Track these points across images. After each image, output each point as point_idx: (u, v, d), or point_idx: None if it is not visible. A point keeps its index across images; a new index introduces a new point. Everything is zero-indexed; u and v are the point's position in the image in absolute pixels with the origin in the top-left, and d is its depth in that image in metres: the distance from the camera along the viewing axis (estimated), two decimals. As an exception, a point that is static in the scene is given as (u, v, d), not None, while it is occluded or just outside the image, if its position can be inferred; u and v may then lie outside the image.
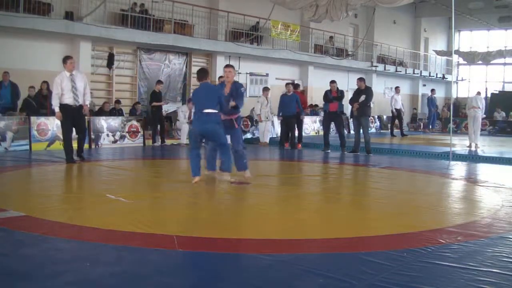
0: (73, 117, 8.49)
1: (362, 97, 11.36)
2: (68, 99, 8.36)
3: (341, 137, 12.04)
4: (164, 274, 3.33)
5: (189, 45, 15.88)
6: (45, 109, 11.54)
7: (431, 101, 21.79)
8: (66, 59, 8.52)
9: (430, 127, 22.54)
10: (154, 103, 12.91)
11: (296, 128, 12.99)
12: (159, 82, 13.48)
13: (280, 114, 12.78)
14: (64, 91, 8.32)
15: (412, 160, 10.98)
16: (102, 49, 14.70)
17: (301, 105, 13.03)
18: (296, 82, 18.09)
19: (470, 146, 13.20)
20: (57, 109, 8.35)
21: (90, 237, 4.09)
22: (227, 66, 7.54)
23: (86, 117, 9.20)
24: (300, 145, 13.02)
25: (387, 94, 26.93)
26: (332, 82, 12.21)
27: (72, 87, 8.35)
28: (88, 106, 8.89)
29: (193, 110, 12.60)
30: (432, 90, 21.84)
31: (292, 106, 12.50)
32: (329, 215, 5.43)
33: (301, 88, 16.96)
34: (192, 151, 6.89)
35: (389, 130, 19.07)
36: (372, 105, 12.30)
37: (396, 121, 18.77)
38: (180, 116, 13.19)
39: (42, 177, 7.55)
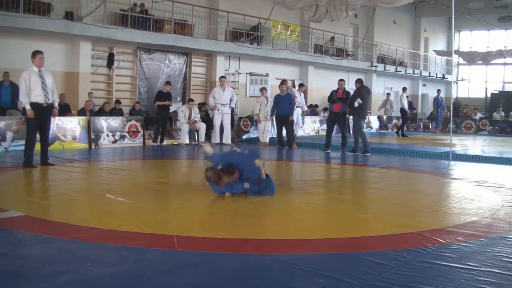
0: (42, 117, 7.93)
1: (358, 100, 11.40)
2: (39, 97, 7.79)
3: (343, 138, 12.08)
4: (164, 274, 3.33)
5: (189, 45, 15.89)
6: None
7: (436, 102, 21.73)
8: (36, 54, 7.85)
9: (435, 127, 22.44)
10: (158, 102, 12.88)
11: (291, 128, 13.09)
12: (168, 83, 13.41)
13: (274, 114, 12.91)
14: (32, 88, 7.73)
15: (412, 160, 10.97)
16: (102, 49, 14.71)
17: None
18: (296, 81, 18.07)
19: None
20: (28, 107, 7.74)
21: (90, 237, 4.09)
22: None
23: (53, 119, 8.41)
24: (294, 144, 13.04)
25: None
26: (341, 80, 12.18)
27: (42, 83, 7.79)
28: (57, 108, 8.31)
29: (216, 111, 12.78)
30: (438, 91, 21.75)
31: (286, 106, 12.58)
32: (329, 215, 5.42)
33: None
34: None
35: (398, 130, 18.87)
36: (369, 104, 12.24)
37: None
38: (180, 116, 13.16)
39: (42, 177, 7.55)
